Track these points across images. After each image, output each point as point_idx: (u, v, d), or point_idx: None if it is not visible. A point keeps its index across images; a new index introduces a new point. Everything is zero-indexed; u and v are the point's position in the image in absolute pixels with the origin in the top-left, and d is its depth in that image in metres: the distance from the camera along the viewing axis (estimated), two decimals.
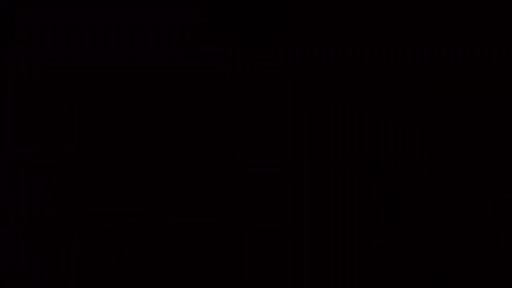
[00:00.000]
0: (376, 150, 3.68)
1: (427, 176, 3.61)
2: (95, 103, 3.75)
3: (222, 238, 3.58)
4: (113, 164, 3.66)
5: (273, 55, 3.82)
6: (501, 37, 3.73)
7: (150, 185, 3.62)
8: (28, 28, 3.76)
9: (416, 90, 3.73)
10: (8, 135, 3.66)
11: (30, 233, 3.50)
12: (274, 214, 3.65)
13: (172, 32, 3.81)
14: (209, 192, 3.63)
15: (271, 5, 3.84)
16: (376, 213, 3.57)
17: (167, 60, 3.81)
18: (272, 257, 3.60)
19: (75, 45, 3.78)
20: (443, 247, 3.49)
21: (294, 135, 3.72)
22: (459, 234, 3.51)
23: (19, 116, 3.70)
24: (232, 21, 3.84)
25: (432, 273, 3.47)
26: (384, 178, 3.62)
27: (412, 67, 3.75)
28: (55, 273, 3.46)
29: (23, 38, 3.76)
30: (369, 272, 3.51)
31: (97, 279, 3.45)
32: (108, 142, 3.70)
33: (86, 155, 3.67)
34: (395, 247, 3.51)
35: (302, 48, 3.81)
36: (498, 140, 3.63)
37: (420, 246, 3.50)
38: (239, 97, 3.79)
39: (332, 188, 3.63)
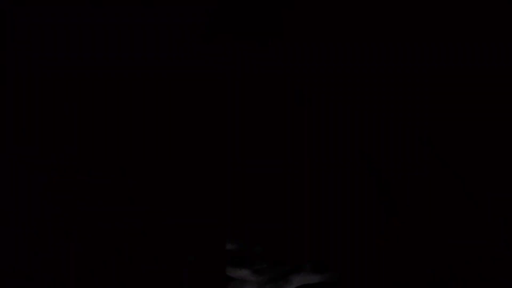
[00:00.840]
0: (376, 150, 3.68)
1: (427, 176, 3.62)
2: (95, 103, 3.75)
3: (222, 238, 3.58)
4: (113, 164, 3.66)
5: (273, 55, 3.82)
6: (501, 37, 3.73)
7: (150, 185, 3.62)
8: (28, 28, 3.76)
9: (416, 90, 3.74)
10: (8, 135, 3.66)
11: (30, 233, 3.50)
12: (274, 214, 3.65)
13: (172, 32, 3.81)
14: (209, 192, 3.63)
15: (271, 5, 3.84)
16: (376, 213, 3.58)
17: (167, 60, 3.81)
18: (272, 257, 3.60)
19: (75, 45, 3.78)
20: (443, 247, 3.49)
21: (294, 135, 3.72)
22: (459, 234, 3.51)
23: (19, 116, 3.70)
24: (232, 21, 3.84)
25: (432, 273, 3.47)
26: (384, 178, 3.62)
27: (412, 67, 3.76)
28: (55, 273, 3.46)
29: (23, 38, 3.76)
30: (369, 272, 3.51)
31: (97, 279, 3.45)
32: (108, 142, 3.70)
33: (86, 155, 3.67)
34: (395, 247, 3.52)
35: (302, 48, 3.82)
36: (498, 140, 3.63)
37: (420, 246, 3.51)
38: (239, 97, 3.79)
39: (332, 188, 3.63)
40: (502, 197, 3.56)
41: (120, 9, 3.79)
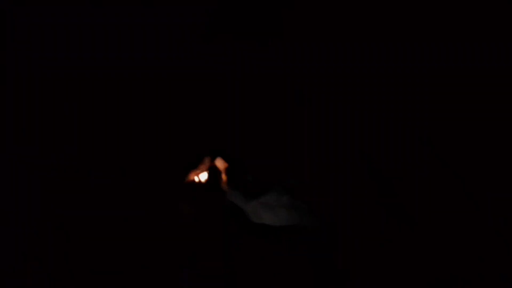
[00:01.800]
0: (376, 150, 3.68)
1: (427, 176, 3.62)
2: (95, 103, 3.76)
3: (222, 238, 3.58)
4: (113, 164, 3.66)
5: (273, 55, 3.82)
6: (501, 37, 3.73)
7: (150, 185, 3.62)
8: (28, 28, 3.76)
9: (416, 90, 3.74)
10: (8, 135, 3.66)
11: (30, 233, 3.50)
12: None
13: (172, 32, 3.81)
14: (209, 192, 3.63)
15: (271, 5, 3.85)
16: (376, 213, 3.57)
17: (167, 60, 3.81)
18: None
19: (75, 45, 3.78)
20: (444, 247, 3.49)
21: (294, 135, 3.72)
22: (459, 234, 3.51)
23: (19, 116, 3.70)
24: (232, 21, 3.84)
25: (432, 273, 3.47)
26: (384, 178, 3.62)
27: (412, 67, 3.76)
28: (55, 273, 3.46)
29: (23, 38, 3.76)
30: (370, 271, 3.51)
31: (97, 279, 3.45)
32: (108, 142, 3.70)
33: (86, 155, 3.67)
34: (396, 248, 3.52)
35: (302, 48, 3.82)
36: (498, 140, 3.63)
37: (420, 246, 3.51)
38: (239, 97, 3.79)
39: (332, 188, 3.63)
40: (502, 197, 3.56)
41: (120, 9, 3.79)
